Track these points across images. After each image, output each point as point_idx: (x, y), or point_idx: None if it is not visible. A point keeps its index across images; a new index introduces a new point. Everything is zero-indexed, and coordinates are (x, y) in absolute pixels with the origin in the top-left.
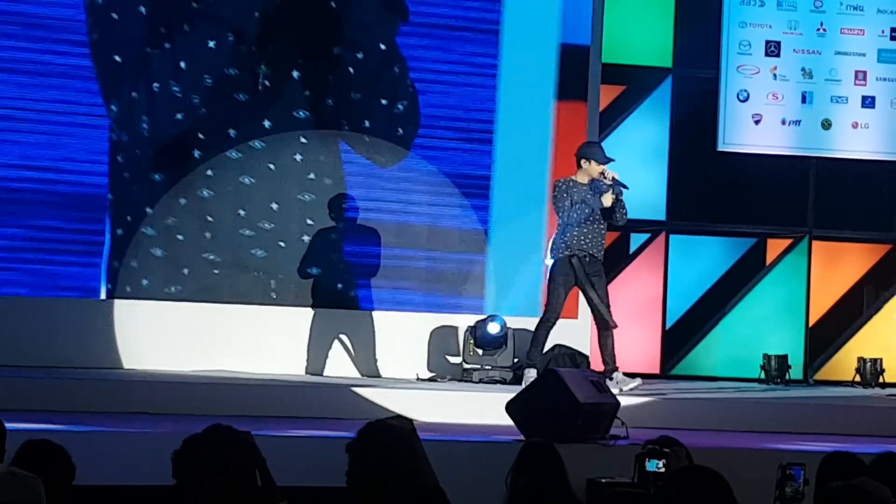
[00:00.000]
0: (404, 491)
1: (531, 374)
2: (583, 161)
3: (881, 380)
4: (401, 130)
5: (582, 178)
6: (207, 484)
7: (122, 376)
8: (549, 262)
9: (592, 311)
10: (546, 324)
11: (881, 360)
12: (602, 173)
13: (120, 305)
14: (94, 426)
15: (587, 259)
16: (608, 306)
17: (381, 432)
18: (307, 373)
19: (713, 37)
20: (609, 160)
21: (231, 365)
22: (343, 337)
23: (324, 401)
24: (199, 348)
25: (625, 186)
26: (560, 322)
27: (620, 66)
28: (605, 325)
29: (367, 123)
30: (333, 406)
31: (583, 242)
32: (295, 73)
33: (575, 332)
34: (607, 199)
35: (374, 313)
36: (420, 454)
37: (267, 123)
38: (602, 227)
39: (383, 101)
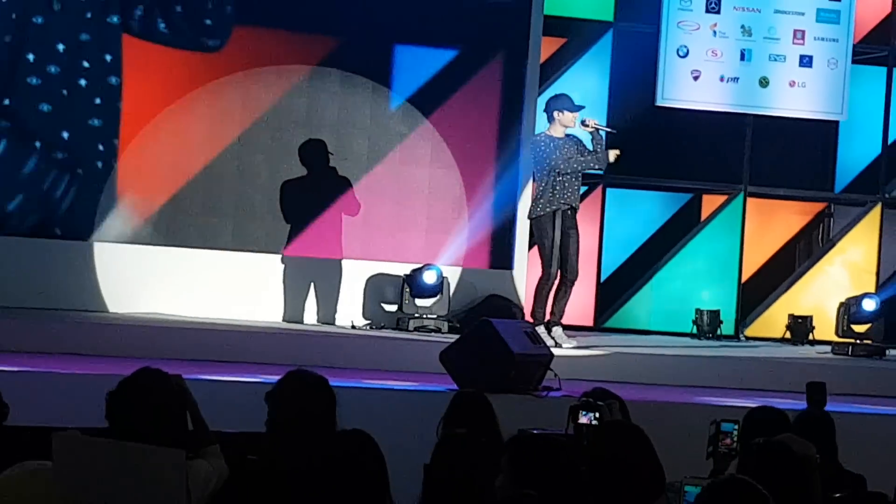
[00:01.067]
0: (327, 436)
1: (540, 330)
2: (555, 113)
3: (811, 337)
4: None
5: (557, 132)
6: (138, 426)
7: (55, 318)
8: (528, 218)
9: (563, 263)
10: (546, 280)
11: (811, 317)
12: (583, 122)
13: None
14: (27, 366)
15: (569, 212)
16: (577, 260)
17: (300, 382)
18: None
19: None
20: (580, 108)
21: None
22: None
23: (260, 346)
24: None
25: (612, 131)
26: (494, 272)
27: (562, 19)
28: (572, 278)
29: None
30: (269, 352)
31: (565, 195)
32: None
33: (510, 282)
34: (612, 155)
35: (313, 260)
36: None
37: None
38: (579, 178)
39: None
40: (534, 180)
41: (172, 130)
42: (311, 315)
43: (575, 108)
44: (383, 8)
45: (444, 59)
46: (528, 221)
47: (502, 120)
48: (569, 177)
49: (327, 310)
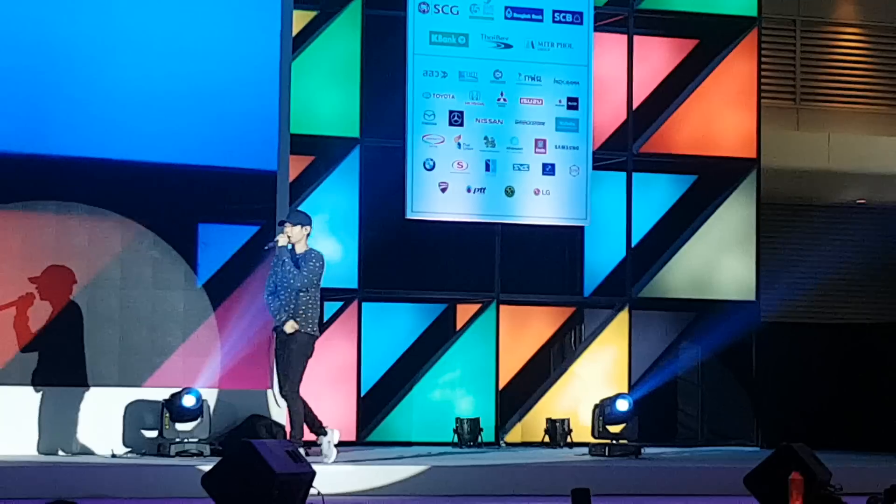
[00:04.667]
0: None
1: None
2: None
3: (569, 440)
4: None
5: (296, 248)
6: None
7: None
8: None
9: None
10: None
11: (568, 420)
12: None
13: None
14: None
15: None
16: (282, 378)
17: None
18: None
19: (399, 107)
20: (282, 221)
21: None
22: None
23: (10, 480)
24: None
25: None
26: (254, 392)
27: (309, 137)
28: (282, 394)
29: None
30: (24, 485)
31: (273, 311)
32: None
33: (270, 401)
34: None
35: (64, 389)
36: None
37: None
38: (290, 295)
39: None
40: None
41: None
42: (66, 446)
43: (281, 224)
44: None
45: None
46: None
47: (257, 238)
48: (280, 292)
49: (84, 440)
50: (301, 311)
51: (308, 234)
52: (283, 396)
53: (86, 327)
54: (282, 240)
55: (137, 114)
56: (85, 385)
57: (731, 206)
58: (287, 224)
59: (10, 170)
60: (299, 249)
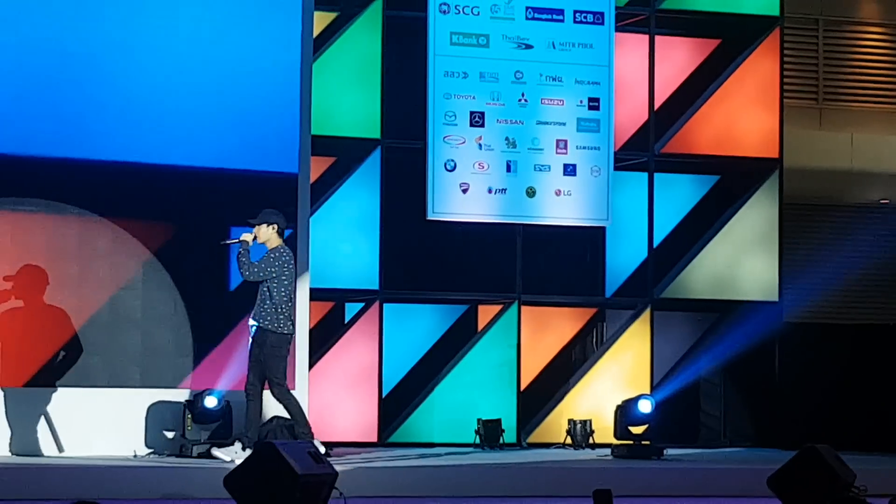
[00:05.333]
0: None
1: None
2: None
3: (591, 441)
4: None
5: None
6: None
7: None
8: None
9: None
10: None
11: (590, 421)
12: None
13: None
14: None
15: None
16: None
17: None
18: (13, 453)
19: (420, 108)
20: (250, 224)
21: None
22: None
23: (33, 481)
24: None
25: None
26: None
27: (330, 138)
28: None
29: None
30: (47, 487)
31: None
32: None
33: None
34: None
35: (86, 390)
36: None
37: None
38: (261, 294)
39: None
40: None
41: None
42: (77, 447)
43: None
44: None
45: None
46: (301, 340)
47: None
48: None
49: (106, 441)
50: (270, 310)
51: (278, 231)
52: (276, 399)
53: (109, 329)
54: (245, 236)
55: (159, 118)
56: (107, 386)
57: (754, 206)
58: (254, 225)
59: (34, 172)
60: (271, 246)
